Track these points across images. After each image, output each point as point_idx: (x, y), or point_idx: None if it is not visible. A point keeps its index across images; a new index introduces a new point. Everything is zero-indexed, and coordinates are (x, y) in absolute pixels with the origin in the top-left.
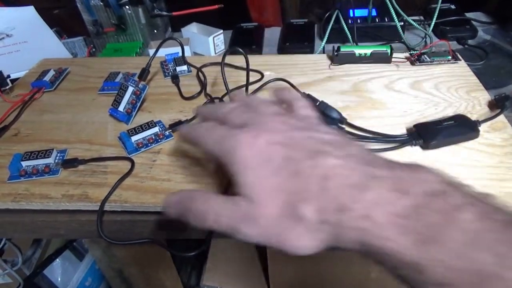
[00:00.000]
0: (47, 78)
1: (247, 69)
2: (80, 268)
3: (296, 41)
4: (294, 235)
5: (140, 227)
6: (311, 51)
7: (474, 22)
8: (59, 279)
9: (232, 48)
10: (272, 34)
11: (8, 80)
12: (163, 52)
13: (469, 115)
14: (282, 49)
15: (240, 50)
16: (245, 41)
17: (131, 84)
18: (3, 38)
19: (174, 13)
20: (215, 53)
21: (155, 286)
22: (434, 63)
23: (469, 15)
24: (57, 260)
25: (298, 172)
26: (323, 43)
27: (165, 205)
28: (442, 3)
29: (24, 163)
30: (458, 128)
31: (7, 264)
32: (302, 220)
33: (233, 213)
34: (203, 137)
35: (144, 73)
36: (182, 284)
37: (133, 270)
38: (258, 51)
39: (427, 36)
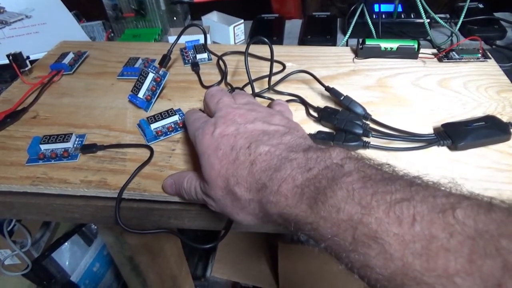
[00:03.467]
0: (66, 61)
1: (271, 60)
2: (88, 253)
3: (318, 34)
4: (234, 210)
5: (156, 216)
6: (333, 44)
7: (503, 22)
8: (67, 263)
9: (256, 37)
10: (293, 26)
11: (27, 62)
12: (183, 39)
13: (499, 117)
14: (303, 42)
15: (265, 39)
16: (266, 32)
17: (152, 70)
18: (22, 19)
19: (195, 0)
20: (235, 43)
21: (165, 275)
22: (462, 60)
23: (497, 15)
24: (66, 244)
25: (236, 159)
26: (347, 36)
27: (163, 187)
28: (470, 1)
29: (43, 147)
30: (489, 130)
31: (16, 245)
32: (237, 199)
33: (201, 191)
34: (189, 126)
35: (165, 60)
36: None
37: (144, 259)
38: (279, 42)
39: (453, 34)
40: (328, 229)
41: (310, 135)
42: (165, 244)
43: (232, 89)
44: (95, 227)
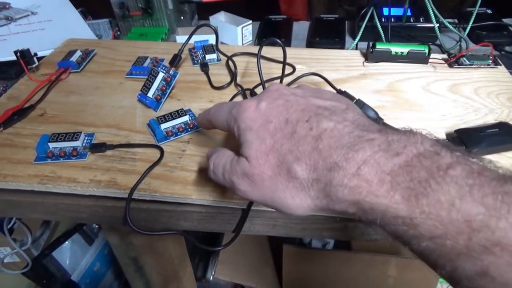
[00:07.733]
0: (73, 58)
1: (284, 62)
2: (89, 253)
3: (326, 37)
4: (287, 193)
5: (165, 217)
6: (341, 47)
7: (511, 28)
8: (68, 262)
9: (269, 39)
10: (300, 28)
11: (35, 58)
12: (192, 39)
13: (511, 123)
14: (311, 44)
15: (278, 41)
16: (273, 33)
17: (162, 70)
18: (28, 15)
19: (204, 0)
20: (242, 44)
21: (168, 276)
22: (473, 66)
23: (506, 20)
24: (67, 242)
25: (293, 133)
26: (357, 40)
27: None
28: (478, 7)
29: (52, 145)
30: (503, 137)
31: (16, 243)
32: (295, 179)
33: (234, 169)
34: (215, 114)
35: (176, 59)
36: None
37: (149, 259)
38: (287, 44)
39: (462, 39)
40: (432, 228)
41: None
42: (170, 245)
43: (243, 90)
44: (96, 226)
